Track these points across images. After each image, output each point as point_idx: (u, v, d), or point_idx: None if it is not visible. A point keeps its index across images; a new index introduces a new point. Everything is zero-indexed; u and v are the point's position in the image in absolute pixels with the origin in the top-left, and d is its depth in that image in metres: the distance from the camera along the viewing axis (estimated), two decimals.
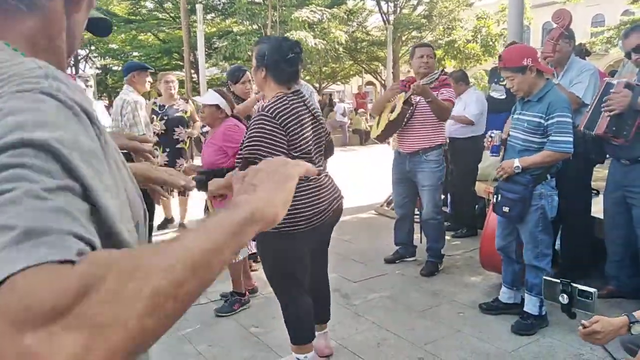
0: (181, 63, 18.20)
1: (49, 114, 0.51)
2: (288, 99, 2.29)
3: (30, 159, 0.47)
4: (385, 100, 4.07)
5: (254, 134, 2.18)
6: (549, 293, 1.89)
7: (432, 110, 3.77)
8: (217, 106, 3.21)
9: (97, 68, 21.58)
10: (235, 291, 3.37)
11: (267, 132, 2.18)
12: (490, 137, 3.18)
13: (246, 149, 2.18)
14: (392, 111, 3.84)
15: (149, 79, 4.53)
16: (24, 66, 0.56)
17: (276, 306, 3.38)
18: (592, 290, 1.78)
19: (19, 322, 0.37)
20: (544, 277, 1.92)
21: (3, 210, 0.43)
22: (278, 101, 2.26)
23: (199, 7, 9.72)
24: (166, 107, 4.94)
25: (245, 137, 2.23)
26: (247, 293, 3.43)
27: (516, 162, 2.81)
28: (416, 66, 3.97)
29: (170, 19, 19.01)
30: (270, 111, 2.22)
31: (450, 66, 20.08)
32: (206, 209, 3.78)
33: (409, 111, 3.80)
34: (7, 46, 0.62)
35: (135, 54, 20.40)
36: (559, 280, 1.83)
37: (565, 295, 1.79)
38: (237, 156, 2.30)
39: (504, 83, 5.49)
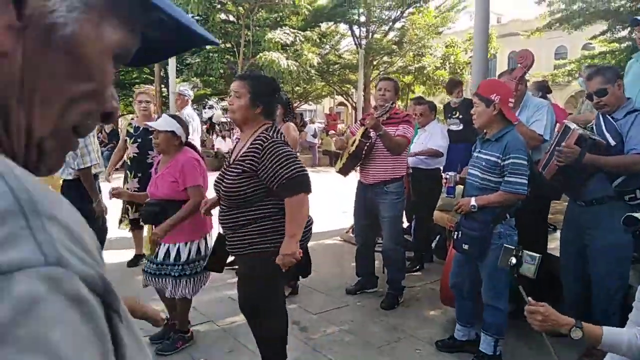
0: (151, 77, 17.98)
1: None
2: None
3: None
4: (347, 138, 4.13)
5: (293, 156, 2.35)
6: (503, 260, 2.07)
7: (383, 144, 3.81)
8: (173, 132, 3.09)
9: None
10: (179, 329, 3.26)
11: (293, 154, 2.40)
12: (446, 178, 3.22)
13: (294, 170, 2.31)
14: (352, 144, 3.89)
15: None
16: None
17: (233, 340, 3.31)
18: (537, 255, 2.02)
19: None
20: (504, 245, 2.08)
21: None
22: (276, 131, 2.45)
23: None
24: (140, 129, 4.55)
25: (279, 160, 2.31)
26: (190, 330, 3.33)
27: (472, 201, 2.86)
28: (375, 99, 4.09)
29: None
30: (283, 138, 2.44)
31: (418, 92, 20.49)
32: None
33: (367, 144, 3.83)
34: None
35: None
36: (514, 247, 2.05)
37: (514, 259, 2.01)
38: (275, 180, 2.32)
39: (456, 116, 5.68)
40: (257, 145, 2.35)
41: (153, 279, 3.10)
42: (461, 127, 5.56)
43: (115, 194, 3.31)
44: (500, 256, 2.09)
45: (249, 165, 2.34)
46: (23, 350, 0.28)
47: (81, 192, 3.76)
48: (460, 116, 5.64)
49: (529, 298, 1.90)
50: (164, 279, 3.08)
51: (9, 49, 0.39)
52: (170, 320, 3.27)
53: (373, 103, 4.11)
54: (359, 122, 4.41)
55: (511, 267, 2.03)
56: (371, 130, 3.80)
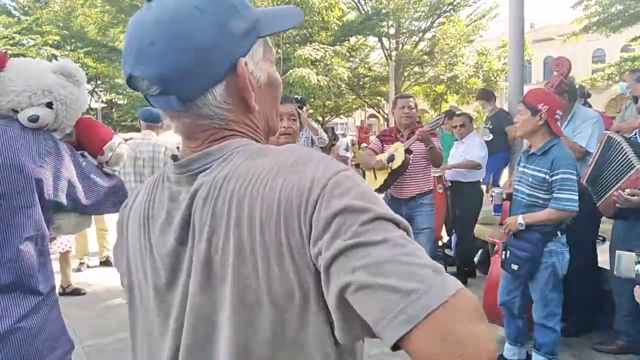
0: None
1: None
2: None
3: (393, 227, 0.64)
4: (367, 155, 4.17)
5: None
6: (624, 269, 1.89)
7: (429, 156, 3.84)
8: None
9: (102, 102, 21.88)
10: None
11: None
12: (492, 195, 3.13)
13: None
14: (390, 160, 3.86)
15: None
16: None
17: None
18: None
19: (476, 317, 0.57)
20: (618, 252, 1.92)
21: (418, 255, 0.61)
22: None
23: None
24: None
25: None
26: None
27: (520, 219, 2.75)
28: (398, 117, 4.05)
29: None
30: None
31: (452, 101, 20.25)
32: None
33: (410, 159, 3.84)
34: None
35: None
36: (634, 253, 1.85)
37: None
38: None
39: (487, 125, 5.60)
40: None
41: None
42: (491, 137, 5.48)
43: None
44: (617, 264, 1.90)
45: None
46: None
47: None
48: (491, 126, 5.56)
49: None
50: None
51: (254, 106, 0.77)
52: None
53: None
54: (376, 137, 4.41)
55: (638, 276, 1.86)
56: (412, 144, 3.81)
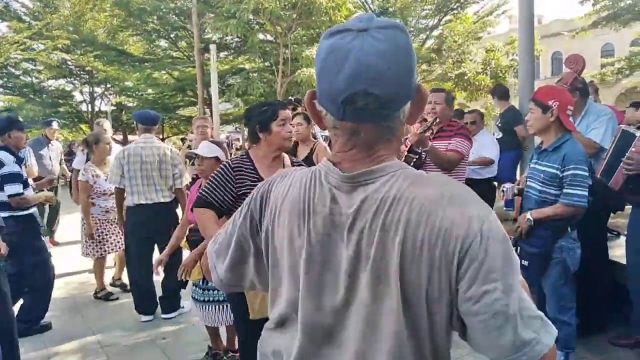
0: (194, 99, 18.53)
1: None
2: None
3: None
4: None
5: None
6: None
7: (431, 160, 3.47)
8: (217, 158, 3.03)
9: (112, 105, 22.05)
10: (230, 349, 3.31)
11: None
12: (503, 191, 3.14)
13: None
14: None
15: None
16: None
17: None
18: None
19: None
20: None
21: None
22: None
23: (212, 46, 9.94)
24: None
25: None
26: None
27: (528, 215, 2.75)
28: (426, 113, 3.69)
29: (185, 57, 19.46)
30: None
31: (460, 97, 20.17)
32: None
33: (415, 160, 3.51)
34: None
35: (150, 91, 20.86)
36: None
37: None
38: None
39: (498, 123, 5.59)
40: None
41: (200, 306, 3.10)
42: (500, 135, 5.44)
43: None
44: None
45: None
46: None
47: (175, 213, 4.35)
48: (500, 124, 5.54)
49: None
50: (208, 306, 3.06)
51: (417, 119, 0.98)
52: (213, 349, 3.30)
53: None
54: None
55: None
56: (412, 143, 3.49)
